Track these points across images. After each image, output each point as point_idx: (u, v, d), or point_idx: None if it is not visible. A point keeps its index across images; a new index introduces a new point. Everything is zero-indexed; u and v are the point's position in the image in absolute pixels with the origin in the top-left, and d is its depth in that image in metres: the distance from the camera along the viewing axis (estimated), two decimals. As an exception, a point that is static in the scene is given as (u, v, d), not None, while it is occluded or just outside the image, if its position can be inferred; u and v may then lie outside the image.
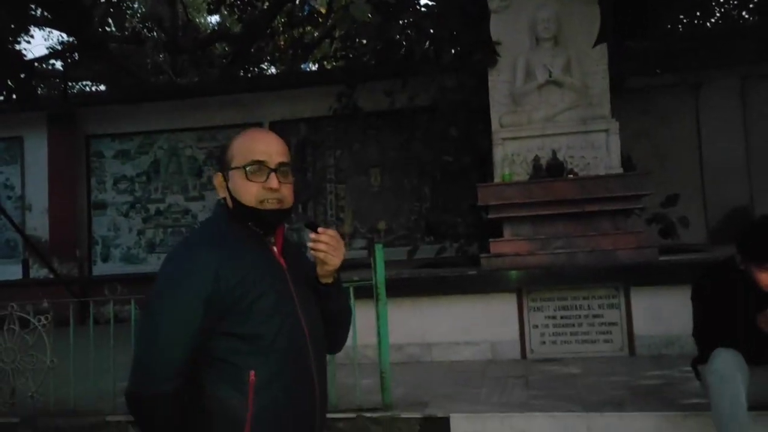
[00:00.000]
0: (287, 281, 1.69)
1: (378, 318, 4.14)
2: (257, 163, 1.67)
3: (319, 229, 1.71)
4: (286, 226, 1.82)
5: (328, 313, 1.81)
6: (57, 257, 10.85)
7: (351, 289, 4.17)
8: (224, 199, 1.75)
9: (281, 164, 1.70)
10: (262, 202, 1.66)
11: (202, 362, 1.60)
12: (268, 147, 1.70)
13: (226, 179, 1.73)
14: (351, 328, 4.00)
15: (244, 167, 1.67)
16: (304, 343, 1.67)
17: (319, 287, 1.78)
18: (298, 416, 1.66)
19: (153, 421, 1.62)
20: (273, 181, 1.67)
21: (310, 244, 1.71)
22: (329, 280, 1.78)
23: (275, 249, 1.73)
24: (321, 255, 1.71)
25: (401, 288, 5.41)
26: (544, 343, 5.60)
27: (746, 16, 10.63)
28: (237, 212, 1.70)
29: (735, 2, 10.44)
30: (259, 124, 10.67)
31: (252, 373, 1.58)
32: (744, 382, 3.08)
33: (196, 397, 1.60)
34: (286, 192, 1.71)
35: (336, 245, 1.72)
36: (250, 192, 1.67)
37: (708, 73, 9.16)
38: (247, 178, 1.67)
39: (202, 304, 1.57)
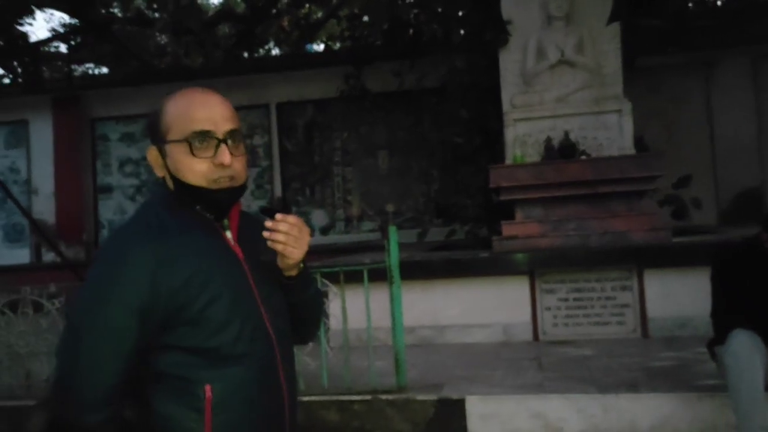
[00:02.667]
0: (245, 274, 1.41)
1: (392, 300, 4.11)
2: (202, 134, 1.36)
3: (277, 216, 1.41)
4: (243, 203, 1.52)
5: (294, 306, 1.54)
6: (64, 241, 10.85)
7: (365, 272, 4.17)
8: (163, 178, 1.44)
9: (230, 132, 1.39)
10: (213, 181, 1.37)
11: (144, 377, 1.33)
12: (212, 112, 1.39)
13: (162, 154, 1.41)
14: (365, 310, 4.01)
15: (186, 140, 1.36)
16: (270, 345, 1.41)
17: (282, 280, 1.50)
18: (265, 430, 1.41)
19: None
20: (224, 156, 1.37)
21: (266, 234, 1.41)
22: (293, 273, 1.49)
23: (229, 235, 1.45)
24: (279, 247, 1.41)
25: (413, 271, 5.39)
26: (556, 325, 5.58)
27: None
28: (181, 195, 1.40)
29: (747, -20, 10.32)
30: (265, 106, 10.62)
31: (208, 387, 1.32)
32: (762, 364, 3.08)
33: (142, 419, 1.33)
34: (239, 166, 1.41)
35: (297, 235, 1.42)
36: (197, 170, 1.36)
37: (720, 52, 9.06)
38: (193, 154, 1.36)
39: (136, 315, 1.29)
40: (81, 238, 10.89)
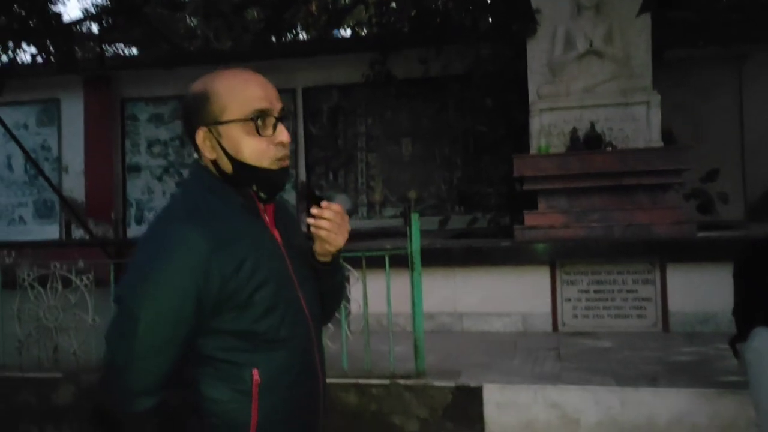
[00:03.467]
0: (285, 259, 1.42)
1: (412, 287, 4.16)
2: (263, 112, 1.35)
3: (323, 204, 1.43)
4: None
5: (322, 290, 1.55)
6: (93, 218, 11.06)
7: (387, 258, 4.22)
8: (209, 161, 1.40)
9: (282, 111, 1.40)
10: (275, 160, 1.38)
11: (191, 361, 1.33)
12: (268, 91, 1.38)
13: (214, 135, 1.37)
14: (386, 295, 4.06)
15: (249, 119, 1.34)
16: (307, 331, 1.44)
17: (316, 265, 1.51)
18: (303, 413, 1.43)
19: None
20: (284, 134, 1.38)
21: (310, 221, 1.43)
22: (328, 259, 1.51)
23: (267, 218, 1.44)
24: (323, 233, 1.43)
25: (434, 258, 5.42)
26: (576, 316, 5.59)
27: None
28: (238, 176, 1.38)
29: (784, -29, 10.09)
30: (292, 90, 10.67)
31: (255, 371, 1.32)
32: (784, 362, 3.05)
33: (188, 403, 1.33)
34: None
35: (341, 222, 1.45)
36: (260, 150, 1.36)
37: (752, 45, 8.90)
38: (258, 133, 1.35)
39: (193, 300, 1.27)
40: (109, 216, 11.09)
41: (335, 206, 1.44)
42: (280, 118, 1.38)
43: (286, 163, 1.41)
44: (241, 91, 1.36)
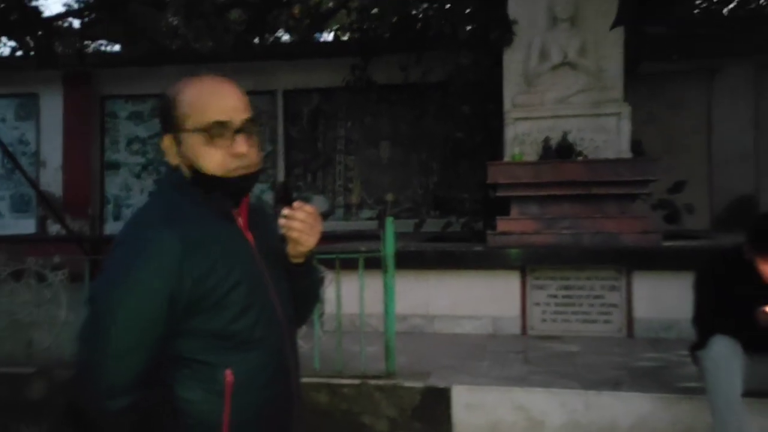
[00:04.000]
0: (257, 261, 1.45)
1: (385, 289, 4.25)
2: (219, 124, 1.38)
3: (295, 204, 1.48)
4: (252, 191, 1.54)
5: (296, 292, 1.57)
6: (69, 214, 11.01)
7: (361, 260, 4.31)
8: (177, 165, 1.44)
9: (245, 121, 1.41)
10: (230, 170, 1.39)
11: (166, 360, 1.35)
12: (228, 102, 1.40)
13: (177, 142, 1.42)
14: (359, 296, 4.15)
15: (204, 130, 1.37)
16: (281, 331, 1.46)
17: (289, 267, 1.54)
18: (277, 413, 1.45)
19: None
20: (241, 146, 1.39)
21: (281, 221, 1.48)
22: (300, 260, 1.54)
23: (240, 221, 1.47)
24: (295, 234, 1.47)
25: (408, 260, 5.51)
26: (545, 320, 5.72)
27: (763, 3, 10.56)
28: (197, 183, 1.41)
29: (754, -11, 10.38)
30: (272, 92, 10.73)
31: (228, 372, 1.35)
32: (740, 370, 3.17)
33: (161, 403, 1.35)
34: (253, 154, 1.43)
35: (312, 223, 1.49)
36: (214, 160, 1.38)
37: (723, 60, 9.14)
38: (213, 144, 1.38)
39: (166, 302, 1.30)
40: (86, 212, 11.04)
41: (307, 207, 1.48)
42: (241, 129, 1.40)
43: (249, 171, 1.42)
44: (202, 102, 1.39)
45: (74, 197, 11.12)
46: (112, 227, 11.25)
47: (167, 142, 1.44)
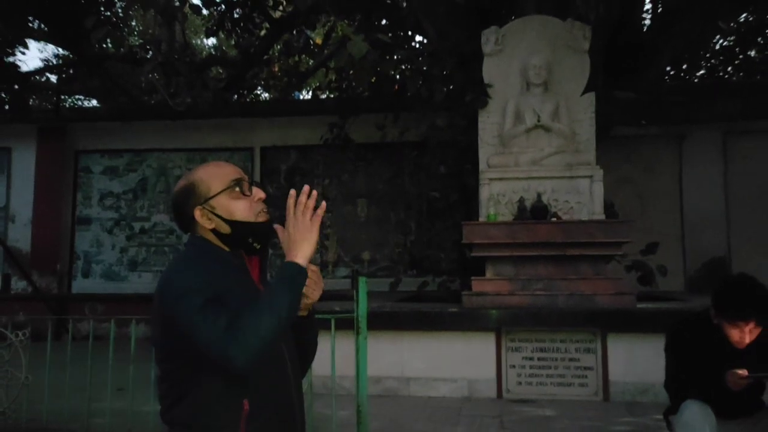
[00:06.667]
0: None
1: (357, 352, 4.16)
2: (237, 180, 1.69)
3: None
4: (270, 251, 1.81)
5: (300, 342, 1.80)
6: (37, 270, 10.77)
7: (332, 321, 4.23)
8: (208, 230, 1.69)
9: (251, 179, 1.75)
10: (257, 214, 1.68)
11: (190, 388, 1.58)
12: (233, 168, 1.73)
13: (209, 210, 1.68)
14: (330, 358, 4.04)
15: (230, 188, 1.67)
16: (286, 372, 1.68)
17: (295, 319, 1.72)
18: None
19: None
20: (260, 192, 1.71)
21: None
22: (304, 313, 1.78)
23: (254, 275, 1.73)
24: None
25: (382, 321, 5.45)
26: (520, 383, 5.64)
27: (731, 72, 10.97)
28: (236, 233, 1.67)
29: (721, 58, 10.78)
30: (250, 149, 10.79)
31: (246, 402, 1.57)
32: (712, 435, 3.13)
33: (187, 419, 1.58)
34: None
35: (316, 280, 1.73)
36: (245, 208, 1.67)
37: (692, 126, 9.40)
38: (241, 194, 1.68)
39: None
40: (55, 268, 10.81)
41: (312, 267, 1.69)
42: (252, 183, 1.71)
43: (267, 216, 1.71)
44: (217, 172, 1.71)
45: (43, 253, 10.90)
46: (80, 284, 11.01)
47: (199, 213, 1.69)
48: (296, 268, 1.60)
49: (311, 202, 1.66)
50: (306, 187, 1.66)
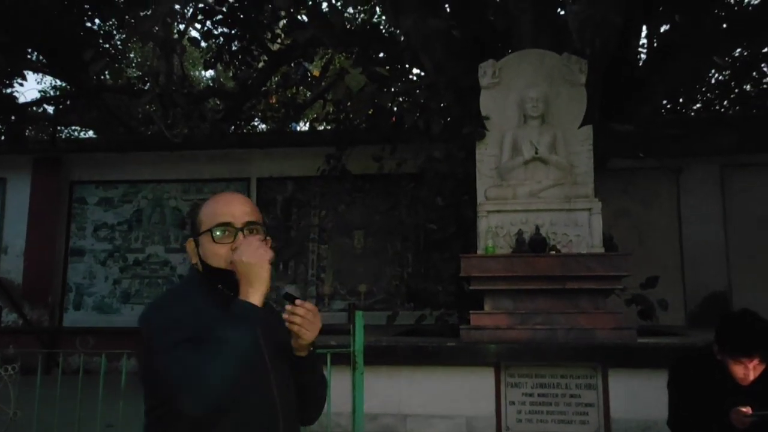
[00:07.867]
0: (261, 349, 1.61)
1: (354, 387, 4.07)
2: (223, 225, 1.66)
3: (297, 302, 1.67)
4: None
5: (300, 385, 1.77)
6: (28, 302, 10.64)
7: (328, 356, 4.14)
8: (195, 264, 1.73)
9: (248, 223, 1.68)
10: (231, 263, 1.61)
11: (166, 428, 1.57)
12: (232, 208, 1.69)
13: (197, 244, 1.71)
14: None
15: (210, 231, 1.66)
16: (275, 415, 1.63)
17: (293, 359, 1.74)
18: None
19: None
20: (239, 242, 1.65)
21: (285, 316, 1.67)
22: (303, 353, 1.74)
23: None
24: (295, 328, 1.67)
25: (379, 356, 5.34)
26: (520, 420, 5.52)
27: (727, 106, 11.04)
28: (207, 276, 1.68)
29: (716, 92, 10.86)
30: (246, 180, 10.76)
31: None
32: (716, 473, 3.06)
33: None
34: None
35: (312, 319, 1.67)
36: (218, 254, 1.65)
37: (689, 159, 9.42)
38: (214, 241, 1.65)
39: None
40: (47, 300, 10.68)
41: (308, 305, 1.67)
42: (242, 229, 1.66)
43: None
44: (211, 209, 1.70)
45: (34, 285, 10.79)
46: (72, 317, 10.87)
47: (190, 245, 1.73)
48: (248, 307, 1.54)
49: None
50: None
